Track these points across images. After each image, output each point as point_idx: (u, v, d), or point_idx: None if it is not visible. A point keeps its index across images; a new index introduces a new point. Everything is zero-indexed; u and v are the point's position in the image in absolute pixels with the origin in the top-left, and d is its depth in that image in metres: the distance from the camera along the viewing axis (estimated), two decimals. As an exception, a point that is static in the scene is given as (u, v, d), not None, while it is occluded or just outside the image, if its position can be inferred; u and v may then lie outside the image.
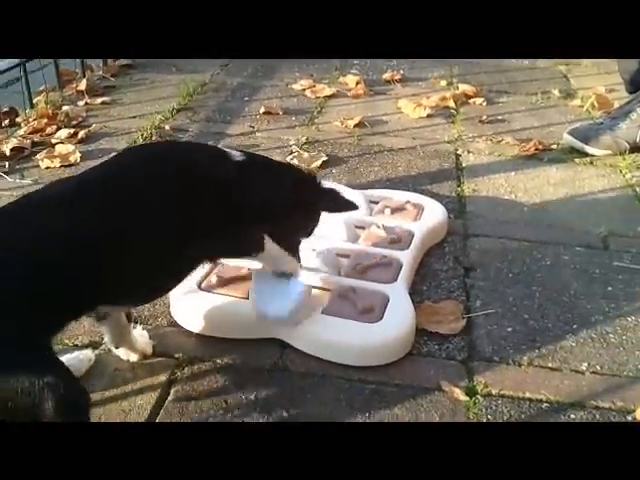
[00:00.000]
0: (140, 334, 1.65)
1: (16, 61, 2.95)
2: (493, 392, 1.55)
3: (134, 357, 1.61)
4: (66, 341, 1.67)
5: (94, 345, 1.65)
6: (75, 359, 1.57)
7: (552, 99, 3.34)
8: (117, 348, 1.60)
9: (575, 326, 1.77)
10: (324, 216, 1.83)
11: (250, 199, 1.46)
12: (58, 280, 1.22)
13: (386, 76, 3.58)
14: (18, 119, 2.99)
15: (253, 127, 2.95)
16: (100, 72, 3.61)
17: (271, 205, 1.51)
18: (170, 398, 1.50)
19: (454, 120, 3.08)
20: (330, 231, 1.97)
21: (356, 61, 3.84)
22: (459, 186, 2.47)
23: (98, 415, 1.46)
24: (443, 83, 3.51)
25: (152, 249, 1.33)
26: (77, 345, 1.66)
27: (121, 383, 1.55)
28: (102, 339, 1.65)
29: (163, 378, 1.55)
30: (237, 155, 1.48)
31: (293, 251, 1.63)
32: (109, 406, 1.49)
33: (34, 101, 3.11)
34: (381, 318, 1.65)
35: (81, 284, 1.26)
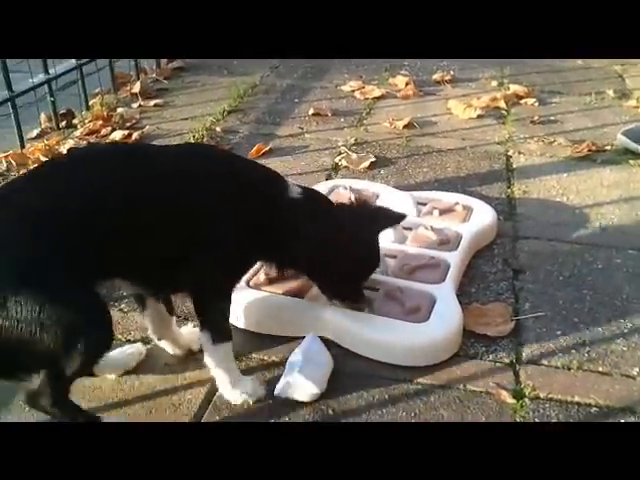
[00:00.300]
0: (190, 331, 1.68)
1: (73, 64, 3.04)
2: (541, 395, 1.54)
3: (178, 351, 1.64)
4: (119, 336, 1.71)
5: (145, 340, 1.69)
6: (125, 353, 1.62)
7: (606, 99, 3.27)
8: (159, 340, 1.65)
9: (626, 330, 1.73)
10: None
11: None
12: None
13: (436, 77, 3.56)
14: (75, 121, 3.08)
15: (302, 128, 2.98)
16: (153, 75, 3.68)
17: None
18: (218, 393, 1.53)
19: (505, 121, 3.04)
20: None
21: (406, 62, 3.83)
22: (509, 187, 2.45)
23: (149, 408, 1.50)
24: (494, 83, 3.47)
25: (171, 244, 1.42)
26: (130, 340, 1.71)
27: (171, 378, 1.59)
28: (153, 334, 1.70)
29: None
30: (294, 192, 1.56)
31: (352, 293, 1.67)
32: (159, 400, 1.52)
33: (90, 103, 3.20)
34: (428, 318, 1.65)
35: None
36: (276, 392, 1.51)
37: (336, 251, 1.55)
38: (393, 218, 1.73)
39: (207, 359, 1.51)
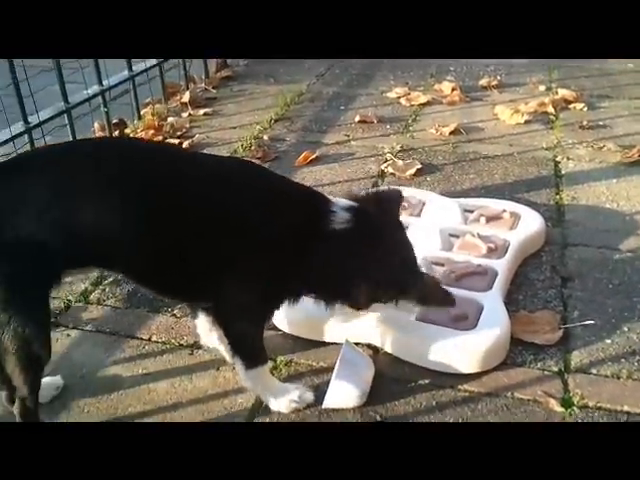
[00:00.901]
0: None
1: (126, 75, 3.13)
2: (590, 404, 1.53)
3: (228, 356, 1.64)
4: (172, 340, 1.77)
5: (198, 345, 1.74)
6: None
7: (658, 103, 3.21)
8: (211, 346, 1.68)
9: (679, 339, 1.71)
10: (419, 224, 1.87)
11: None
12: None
13: (482, 82, 3.54)
14: (127, 130, 3.17)
15: (348, 136, 3.01)
16: (202, 84, 3.76)
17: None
18: (269, 398, 1.57)
19: (553, 126, 3.02)
20: (425, 239, 1.99)
21: (452, 67, 3.83)
22: (557, 194, 2.43)
23: (201, 411, 1.55)
24: (542, 88, 3.44)
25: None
26: (182, 345, 1.76)
27: (223, 382, 1.63)
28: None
29: (262, 379, 1.62)
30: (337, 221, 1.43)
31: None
32: (212, 403, 1.57)
33: (141, 113, 3.28)
34: (475, 326, 1.65)
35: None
36: (323, 405, 1.54)
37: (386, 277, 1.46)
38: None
39: (243, 382, 1.53)
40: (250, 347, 1.51)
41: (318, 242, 1.43)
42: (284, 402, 1.53)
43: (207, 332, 1.66)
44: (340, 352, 1.58)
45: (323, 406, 1.53)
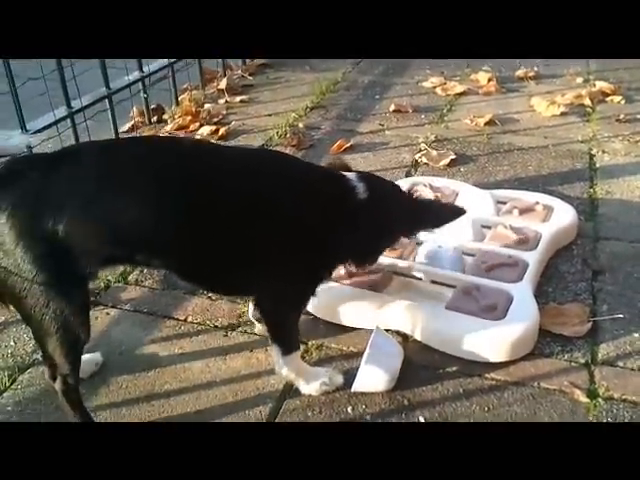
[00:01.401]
0: None
1: (165, 62, 3.18)
2: (615, 396, 1.55)
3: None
4: (207, 322, 1.83)
5: (232, 327, 1.80)
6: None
7: (698, 97, 3.17)
8: (259, 322, 1.74)
9: None
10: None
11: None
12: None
13: (519, 73, 3.53)
14: (165, 116, 3.23)
15: (382, 125, 3.03)
16: (239, 71, 3.80)
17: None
18: (299, 380, 1.62)
19: (589, 119, 3.00)
20: (457, 229, 2.01)
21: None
22: (591, 187, 2.43)
23: (234, 391, 1.60)
24: (579, 80, 3.42)
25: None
26: (217, 326, 1.81)
27: (256, 363, 1.68)
28: (239, 322, 1.81)
29: (294, 361, 1.67)
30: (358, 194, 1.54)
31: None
32: (244, 383, 1.62)
33: (179, 99, 3.34)
34: (504, 316, 1.68)
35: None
36: (352, 389, 1.58)
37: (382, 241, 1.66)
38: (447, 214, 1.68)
39: (278, 367, 1.58)
40: (289, 334, 1.58)
41: (350, 213, 1.54)
42: (315, 386, 1.58)
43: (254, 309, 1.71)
44: (370, 337, 1.62)
45: (352, 389, 1.57)
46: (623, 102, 3.13)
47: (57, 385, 1.44)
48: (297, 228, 1.48)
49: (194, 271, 1.50)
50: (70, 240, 1.31)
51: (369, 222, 1.54)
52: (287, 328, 1.57)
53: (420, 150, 2.75)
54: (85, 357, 1.59)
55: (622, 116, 2.97)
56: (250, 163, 1.51)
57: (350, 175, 1.59)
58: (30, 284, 1.32)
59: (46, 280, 1.32)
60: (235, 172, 1.45)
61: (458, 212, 1.64)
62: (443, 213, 1.65)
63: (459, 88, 3.37)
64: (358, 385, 1.57)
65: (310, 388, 1.59)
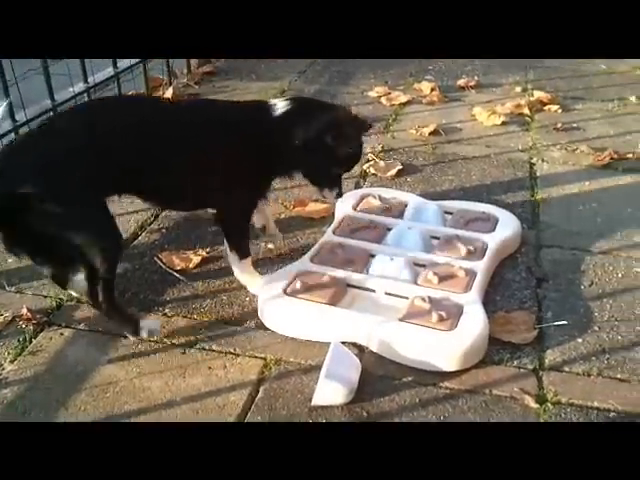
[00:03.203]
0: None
1: (111, 72, 3.16)
2: (562, 400, 1.63)
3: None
4: (164, 339, 1.83)
5: (190, 344, 1.81)
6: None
7: (629, 106, 3.33)
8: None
9: (645, 339, 1.82)
10: (402, 226, 1.97)
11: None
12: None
13: (460, 82, 3.63)
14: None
15: (331, 135, 3.06)
16: (184, 80, 3.78)
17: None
18: (260, 395, 1.64)
19: (529, 128, 3.12)
20: (406, 241, 2.07)
21: (430, 66, 3.91)
22: (533, 196, 2.53)
23: (195, 409, 1.61)
24: (518, 89, 3.54)
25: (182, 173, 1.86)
26: (174, 344, 1.82)
27: (215, 380, 1.70)
28: (196, 339, 1.82)
29: (253, 377, 1.70)
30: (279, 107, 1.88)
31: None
32: (205, 401, 1.64)
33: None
34: (456, 326, 1.74)
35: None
36: (312, 402, 1.61)
37: (328, 151, 1.87)
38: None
39: (235, 272, 1.99)
40: (241, 241, 1.96)
41: (266, 130, 1.87)
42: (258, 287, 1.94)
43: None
44: (329, 351, 1.65)
45: (312, 403, 1.60)
46: (560, 111, 3.26)
47: (100, 299, 1.76)
48: (232, 152, 1.85)
49: (169, 196, 1.93)
50: (87, 173, 1.67)
51: (283, 135, 1.85)
52: (240, 235, 1.95)
53: (368, 160, 2.80)
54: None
55: (559, 125, 3.10)
56: (196, 110, 1.98)
57: (275, 100, 1.93)
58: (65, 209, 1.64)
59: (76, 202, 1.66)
60: (187, 117, 1.89)
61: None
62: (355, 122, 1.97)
63: (403, 98, 3.44)
64: (318, 399, 1.60)
65: (252, 289, 1.98)
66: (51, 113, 2.75)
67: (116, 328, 1.84)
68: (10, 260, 2.15)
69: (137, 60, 3.32)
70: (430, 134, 3.04)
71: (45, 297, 2.00)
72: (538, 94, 3.41)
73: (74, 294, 1.96)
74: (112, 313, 1.81)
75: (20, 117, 2.59)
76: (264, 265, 2.11)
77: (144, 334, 1.82)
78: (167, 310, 1.94)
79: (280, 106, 1.88)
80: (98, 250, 1.70)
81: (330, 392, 1.60)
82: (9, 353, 1.79)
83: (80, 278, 1.81)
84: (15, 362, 1.76)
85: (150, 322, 1.86)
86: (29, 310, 1.91)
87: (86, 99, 2.99)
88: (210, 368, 1.73)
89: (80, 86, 2.97)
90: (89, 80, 3.00)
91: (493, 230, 2.16)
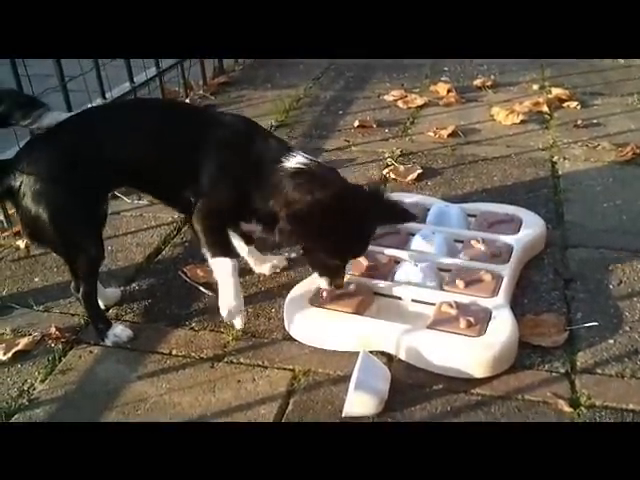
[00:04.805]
0: (275, 258, 2.15)
1: (128, 87, 3.17)
2: (597, 404, 1.61)
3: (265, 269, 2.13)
4: (192, 354, 1.83)
5: (218, 358, 1.81)
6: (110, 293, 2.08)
7: (649, 99, 3.29)
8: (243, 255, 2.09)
9: (678, 337, 1.79)
10: (425, 231, 1.96)
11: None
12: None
13: (477, 82, 3.61)
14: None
15: (348, 141, 3.06)
16: (200, 91, 3.80)
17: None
18: (290, 408, 1.64)
19: (548, 125, 3.09)
20: (431, 245, 2.06)
21: (446, 67, 3.89)
22: (556, 195, 2.50)
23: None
24: (535, 87, 3.51)
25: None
26: (202, 358, 1.82)
27: (244, 394, 1.70)
28: (224, 353, 1.82)
29: (282, 389, 1.69)
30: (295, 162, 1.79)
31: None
32: (235, 415, 1.63)
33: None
34: (484, 332, 1.72)
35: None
36: (343, 414, 1.60)
37: (318, 228, 1.71)
38: (399, 217, 1.90)
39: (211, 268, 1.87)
40: (212, 242, 1.85)
41: (265, 176, 1.79)
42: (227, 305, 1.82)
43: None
44: (357, 361, 1.65)
45: (343, 415, 1.60)
46: (579, 107, 3.23)
47: (80, 293, 1.87)
48: (228, 169, 1.82)
49: (160, 189, 1.95)
50: (85, 172, 1.76)
51: (279, 188, 1.76)
52: (210, 236, 1.85)
53: (387, 165, 2.79)
54: (109, 290, 2.07)
55: (579, 122, 3.06)
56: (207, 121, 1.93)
57: (297, 152, 1.84)
58: (55, 214, 1.75)
59: (67, 209, 1.77)
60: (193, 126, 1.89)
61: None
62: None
63: (420, 100, 3.42)
64: (348, 410, 1.59)
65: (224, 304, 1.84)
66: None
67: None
68: (37, 279, 2.17)
69: (154, 73, 3.34)
70: (449, 136, 3.02)
71: (73, 315, 2.01)
72: (556, 91, 3.37)
73: None
74: (89, 310, 1.91)
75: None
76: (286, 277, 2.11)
77: (108, 342, 1.88)
78: (194, 324, 1.95)
79: (292, 163, 1.79)
80: (79, 255, 1.82)
81: (360, 403, 1.59)
82: (39, 373, 1.80)
83: None
84: (46, 381, 1.77)
85: (119, 330, 1.90)
86: (57, 329, 1.92)
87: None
88: (239, 382, 1.73)
89: (98, 102, 2.98)
90: (107, 96, 3.02)
91: (518, 231, 2.14)
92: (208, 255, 1.85)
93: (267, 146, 1.85)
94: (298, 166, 1.78)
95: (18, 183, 1.74)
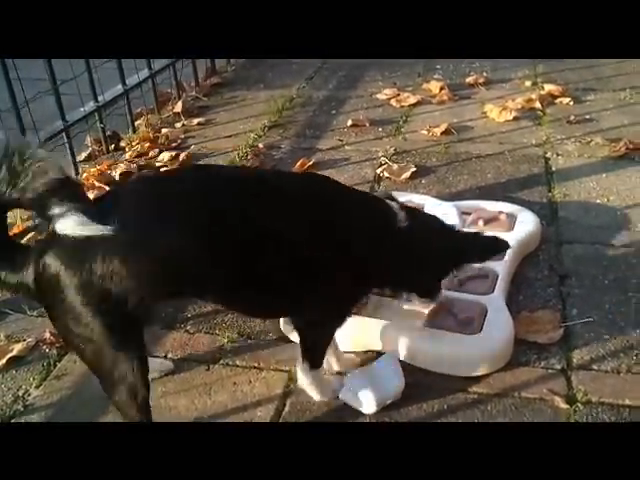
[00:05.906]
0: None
1: (120, 89, 3.16)
2: (593, 400, 1.61)
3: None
4: (188, 357, 1.83)
5: (214, 360, 1.80)
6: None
7: (642, 94, 3.29)
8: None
9: (674, 332, 1.79)
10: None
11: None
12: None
13: (469, 80, 3.60)
14: (122, 143, 3.19)
15: (342, 140, 3.06)
16: (193, 92, 3.78)
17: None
18: (286, 410, 1.64)
19: (541, 122, 3.09)
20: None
21: (438, 65, 3.89)
22: (550, 191, 2.50)
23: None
24: (528, 83, 3.51)
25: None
26: (198, 361, 1.81)
27: (240, 396, 1.69)
28: (220, 355, 1.81)
29: (279, 391, 1.69)
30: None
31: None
32: (232, 417, 1.63)
33: (135, 124, 3.31)
34: (481, 329, 1.72)
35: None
36: (341, 396, 1.62)
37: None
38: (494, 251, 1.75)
39: (301, 380, 1.64)
40: (320, 353, 1.63)
41: (392, 241, 1.57)
42: (328, 394, 1.64)
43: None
44: (380, 361, 1.67)
45: (343, 399, 1.62)
46: (572, 103, 3.23)
47: None
48: (343, 253, 1.49)
49: (243, 300, 1.52)
50: (122, 286, 1.30)
51: (407, 250, 1.59)
52: (320, 349, 1.62)
53: (381, 164, 2.78)
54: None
55: (572, 117, 3.06)
56: (300, 194, 1.50)
57: (393, 204, 1.62)
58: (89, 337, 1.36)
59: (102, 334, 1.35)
60: (291, 205, 1.46)
61: (503, 246, 1.71)
62: (487, 246, 1.71)
63: (412, 99, 3.42)
64: (344, 397, 1.62)
65: (322, 397, 1.64)
66: (63, 134, 2.77)
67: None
68: (30, 284, 2.15)
69: (146, 75, 3.34)
70: (442, 134, 3.01)
71: (67, 319, 2.00)
72: (549, 87, 3.37)
73: None
74: None
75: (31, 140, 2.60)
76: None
77: None
78: (189, 327, 1.94)
79: (402, 215, 1.58)
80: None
81: (360, 400, 1.59)
82: (34, 378, 1.79)
83: None
84: (41, 387, 1.76)
85: None
86: (52, 334, 1.91)
87: (97, 118, 3.00)
88: (235, 384, 1.73)
89: (90, 105, 2.98)
90: (99, 99, 3.01)
91: (512, 229, 2.14)
92: (306, 367, 1.61)
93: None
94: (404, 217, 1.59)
95: None
